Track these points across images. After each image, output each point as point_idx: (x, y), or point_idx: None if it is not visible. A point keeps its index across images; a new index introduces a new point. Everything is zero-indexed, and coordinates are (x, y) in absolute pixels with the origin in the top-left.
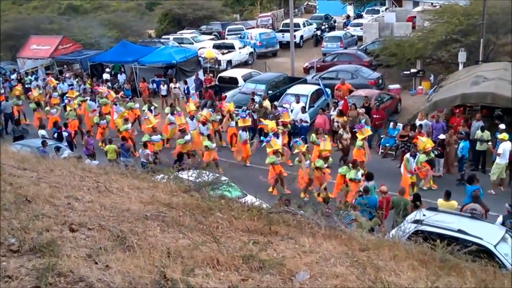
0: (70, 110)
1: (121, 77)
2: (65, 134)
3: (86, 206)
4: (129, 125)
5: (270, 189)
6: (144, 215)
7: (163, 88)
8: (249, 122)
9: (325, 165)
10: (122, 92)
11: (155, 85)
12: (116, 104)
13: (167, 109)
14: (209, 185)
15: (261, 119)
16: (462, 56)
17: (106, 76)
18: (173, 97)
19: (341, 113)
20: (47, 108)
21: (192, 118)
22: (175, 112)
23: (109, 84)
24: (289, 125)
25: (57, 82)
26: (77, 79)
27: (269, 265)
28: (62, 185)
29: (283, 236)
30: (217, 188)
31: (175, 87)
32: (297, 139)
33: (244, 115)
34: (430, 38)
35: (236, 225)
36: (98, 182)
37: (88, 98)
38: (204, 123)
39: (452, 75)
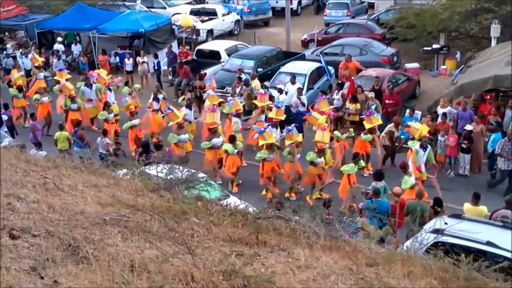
0: (69, 98)
1: (76, 48)
2: (4, 117)
3: (31, 208)
4: (137, 121)
5: (264, 192)
6: (102, 219)
7: (128, 63)
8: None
9: (320, 160)
10: (118, 78)
11: (118, 59)
12: (110, 90)
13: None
14: (183, 184)
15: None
16: (495, 30)
17: (58, 46)
18: (140, 74)
19: (354, 99)
20: (36, 95)
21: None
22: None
23: (61, 56)
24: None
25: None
26: (20, 50)
27: (255, 282)
28: (0, 180)
29: (273, 247)
30: (193, 187)
31: (143, 62)
32: (291, 127)
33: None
34: (456, 7)
35: (215, 233)
36: (46, 178)
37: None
38: (238, 115)
39: (482, 53)
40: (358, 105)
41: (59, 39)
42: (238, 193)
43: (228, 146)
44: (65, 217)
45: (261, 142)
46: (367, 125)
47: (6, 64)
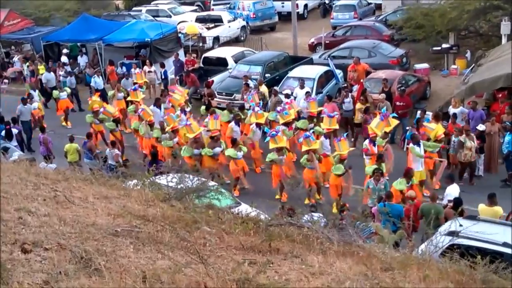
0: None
1: (82, 60)
2: (14, 131)
3: (42, 221)
4: (176, 139)
5: (278, 195)
6: (113, 230)
7: (135, 73)
8: (263, 118)
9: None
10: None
11: (124, 69)
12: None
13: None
14: (193, 193)
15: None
16: (505, 27)
17: (64, 59)
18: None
19: (365, 99)
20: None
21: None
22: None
23: (67, 68)
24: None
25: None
26: (27, 64)
27: None
28: (11, 195)
29: (286, 254)
30: (204, 196)
31: (149, 71)
32: (308, 133)
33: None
34: (466, 5)
35: (227, 241)
36: (56, 191)
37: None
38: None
39: (493, 51)
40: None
41: (65, 51)
42: (249, 199)
43: (231, 152)
44: (76, 230)
45: (272, 146)
46: (387, 128)
47: (70, 83)
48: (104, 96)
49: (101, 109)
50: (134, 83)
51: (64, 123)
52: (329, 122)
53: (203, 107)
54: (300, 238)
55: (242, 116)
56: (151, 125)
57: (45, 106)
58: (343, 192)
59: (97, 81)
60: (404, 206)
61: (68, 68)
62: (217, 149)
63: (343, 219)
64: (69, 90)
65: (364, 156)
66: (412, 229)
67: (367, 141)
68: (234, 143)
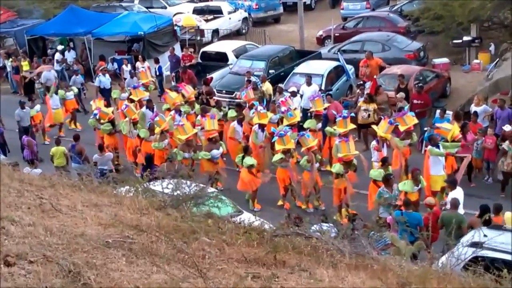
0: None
1: (70, 55)
2: None
3: (26, 231)
4: (166, 141)
5: (280, 202)
6: (104, 241)
7: (127, 69)
8: (266, 119)
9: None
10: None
11: (116, 65)
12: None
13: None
14: (191, 200)
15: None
16: None
17: (58, 56)
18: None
19: (370, 98)
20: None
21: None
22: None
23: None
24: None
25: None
26: (10, 60)
27: None
28: None
29: (293, 267)
30: (202, 204)
31: (142, 67)
32: (305, 132)
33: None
34: None
35: (229, 253)
36: (42, 198)
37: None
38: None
39: None
40: (375, 105)
41: (59, 47)
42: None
43: (251, 160)
44: (63, 241)
45: (278, 147)
46: (401, 128)
47: (74, 82)
48: (106, 97)
49: (96, 111)
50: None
51: (72, 126)
52: (344, 123)
53: (197, 107)
54: (308, 249)
55: (229, 115)
56: (134, 123)
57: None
58: (345, 198)
59: (103, 80)
60: (423, 214)
61: (57, 67)
62: (215, 152)
63: (355, 229)
64: (76, 90)
65: (372, 159)
66: (431, 239)
67: (375, 142)
68: (246, 151)
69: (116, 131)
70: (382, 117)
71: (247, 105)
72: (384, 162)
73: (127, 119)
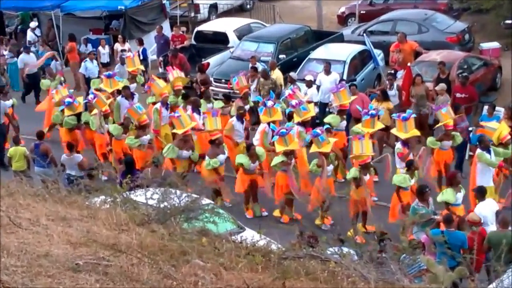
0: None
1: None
2: None
3: None
4: (147, 137)
5: (276, 212)
6: (73, 264)
7: (104, 52)
8: (278, 114)
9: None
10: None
11: (90, 47)
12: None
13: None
14: (181, 214)
15: None
16: None
17: (30, 36)
18: None
19: (384, 96)
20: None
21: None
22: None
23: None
24: None
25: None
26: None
27: None
28: None
29: None
30: (196, 218)
31: (122, 50)
32: (318, 131)
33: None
34: None
35: (227, 279)
36: None
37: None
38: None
39: None
40: (390, 104)
41: (32, 24)
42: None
43: (244, 159)
44: (23, 262)
45: (279, 148)
46: (445, 119)
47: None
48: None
49: (66, 103)
50: (103, 65)
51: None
52: (372, 123)
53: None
54: (325, 275)
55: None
56: (105, 116)
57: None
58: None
59: (90, 67)
60: (466, 233)
61: (33, 48)
62: (222, 157)
63: (383, 251)
64: (61, 78)
65: (397, 164)
66: (476, 265)
67: (399, 144)
68: (249, 149)
69: (78, 127)
70: (395, 116)
71: (241, 94)
72: (410, 166)
73: (96, 111)
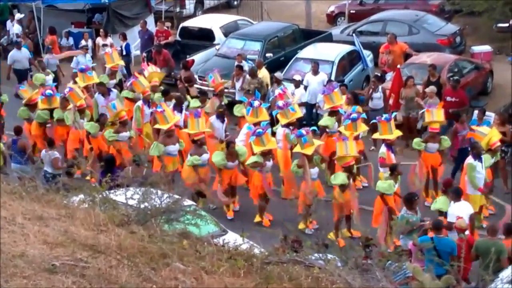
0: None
1: (13, 26)
2: None
3: None
4: (127, 134)
5: (257, 218)
6: (50, 264)
7: (104, 52)
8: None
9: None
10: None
11: (71, 41)
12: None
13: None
14: (162, 215)
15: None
16: None
17: (17, 28)
18: (101, 62)
19: (355, 99)
20: None
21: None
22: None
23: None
24: None
25: None
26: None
27: None
28: None
29: None
30: (177, 220)
31: (104, 45)
32: (303, 131)
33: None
34: None
35: (208, 283)
36: None
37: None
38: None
39: None
40: (360, 108)
41: (17, 16)
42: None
43: (218, 157)
44: None
45: (256, 149)
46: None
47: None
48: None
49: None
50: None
51: None
52: (354, 126)
53: (157, 95)
54: (309, 281)
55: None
56: (80, 111)
57: None
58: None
59: (82, 62)
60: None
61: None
62: (206, 156)
63: (368, 257)
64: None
65: (380, 168)
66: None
67: (383, 148)
68: (228, 146)
69: (49, 122)
70: (376, 119)
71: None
72: (393, 170)
73: (70, 106)
